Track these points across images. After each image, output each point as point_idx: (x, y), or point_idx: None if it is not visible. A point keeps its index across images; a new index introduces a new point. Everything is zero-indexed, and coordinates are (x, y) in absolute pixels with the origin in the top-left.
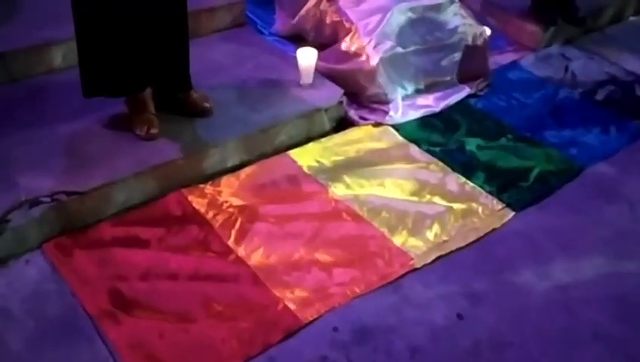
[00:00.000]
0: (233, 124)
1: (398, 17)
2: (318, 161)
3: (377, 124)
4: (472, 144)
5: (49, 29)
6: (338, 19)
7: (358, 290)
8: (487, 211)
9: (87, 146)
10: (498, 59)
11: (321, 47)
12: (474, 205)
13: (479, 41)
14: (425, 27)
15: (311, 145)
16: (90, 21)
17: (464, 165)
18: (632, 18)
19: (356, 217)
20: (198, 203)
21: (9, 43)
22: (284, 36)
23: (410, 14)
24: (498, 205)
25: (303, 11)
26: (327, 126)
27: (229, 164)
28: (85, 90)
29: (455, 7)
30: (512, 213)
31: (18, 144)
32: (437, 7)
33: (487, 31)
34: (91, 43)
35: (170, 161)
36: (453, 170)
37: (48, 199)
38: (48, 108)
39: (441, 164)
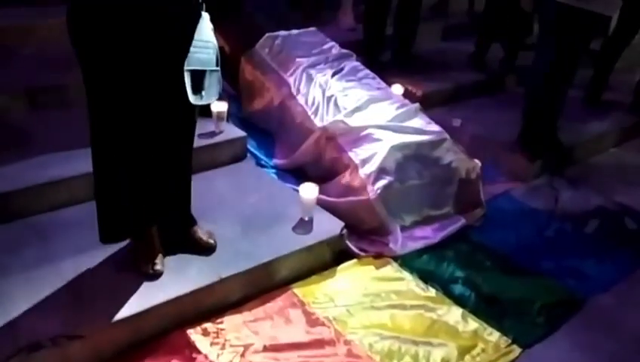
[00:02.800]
0: (237, 259)
1: (395, 154)
2: (321, 296)
3: (378, 256)
4: (471, 276)
5: (57, 167)
6: (337, 155)
7: None
8: (494, 349)
9: (90, 285)
10: (490, 190)
11: (320, 179)
12: (480, 343)
13: (472, 175)
14: (420, 163)
15: (314, 278)
16: (108, 155)
17: (466, 298)
18: (612, 150)
19: (361, 354)
20: (201, 342)
21: (17, 182)
22: (284, 170)
23: (406, 151)
24: (504, 342)
25: (302, 147)
26: (329, 258)
27: (233, 299)
28: (103, 235)
29: (448, 144)
30: (520, 351)
31: (20, 284)
32: (430, 144)
33: (479, 164)
34: (109, 178)
35: (174, 299)
36: (455, 302)
37: (49, 343)
38: (52, 246)
39: (442, 297)
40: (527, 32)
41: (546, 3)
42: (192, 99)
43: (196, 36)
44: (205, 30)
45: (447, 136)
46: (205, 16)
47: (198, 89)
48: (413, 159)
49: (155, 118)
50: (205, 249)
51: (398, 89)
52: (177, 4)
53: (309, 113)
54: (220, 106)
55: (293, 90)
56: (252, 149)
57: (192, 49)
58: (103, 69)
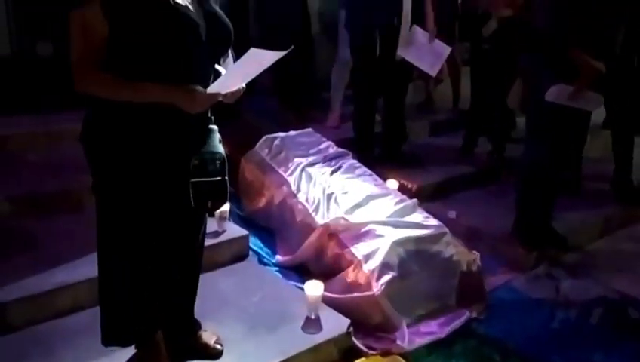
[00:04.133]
0: (243, 361)
1: (397, 249)
2: None
3: (385, 353)
4: None
5: (62, 273)
6: (340, 251)
7: None
8: None
9: None
10: (491, 281)
11: (322, 276)
12: None
13: (474, 267)
14: (422, 257)
15: None
16: (115, 259)
17: None
18: (606, 238)
19: None
20: None
21: (20, 290)
22: (287, 267)
23: (407, 246)
24: None
25: (304, 244)
26: (336, 356)
27: None
28: (106, 338)
29: (447, 237)
30: None
31: None
32: (431, 238)
33: (479, 257)
34: (114, 281)
35: None
36: None
37: None
38: (55, 357)
39: None
40: (512, 126)
41: (536, 102)
42: (197, 209)
43: (204, 148)
44: (214, 142)
45: (446, 229)
46: (215, 129)
47: (205, 199)
48: (414, 254)
49: (164, 226)
50: (212, 355)
51: (393, 184)
52: (193, 124)
53: (310, 211)
54: (222, 206)
55: (294, 189)
56: (254, 247)
57: (199, 162)
58: (116, 183)
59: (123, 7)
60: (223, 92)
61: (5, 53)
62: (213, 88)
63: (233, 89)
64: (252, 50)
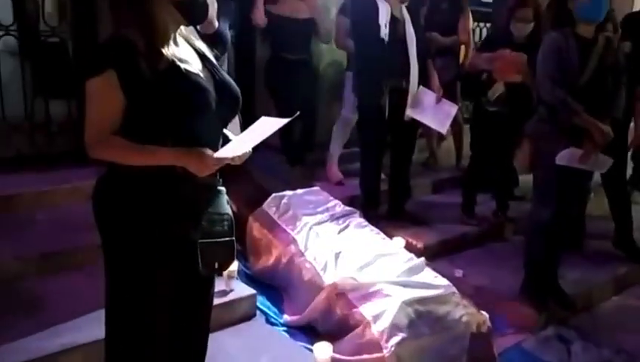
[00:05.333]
0: None
1: (406, 309)
2: None
3: None
4: None
5: (70, 334)
6: (348, 311)
7: None
8: None
9: None
10: (501, 343)
11: (330, 336)
12: None
13: (483, 329)
14: (431, 318)
15: None
16: (124, 325)
17: None
18: (614, 298)
19: None
20: None
21: (28, 352)
22: (295, 327)
23: (416, 306)
24: None
25: (312, 304)
26: None
27: None
28: None
29: (456, 298)
30: None
31: None
32: (440, 298)
33: (488, 317)
34: (122, 348)
35: None
36: None
37: None
38: None
39: None
40: (515, 184)
41: (545, 166)
42: (205, 271)
43: (212, 209)
44: (222, 203)
45: (454, 289)
46: (223, 191)
47: (213, 260)
48: (424, 314)
49: (173, 287)
50: None
51: (399, 242)
52: (201, 186)
53: (318, 270)
54: (230, 266)
55: (302, 248)
56: (261, 307)
57: (207, 223)
58: (125, 243)
59: (137, 74)
60: (231, 156)
61: (19, 114)
62: (221, 153)
63: (240, 153)
64: (262, 119)
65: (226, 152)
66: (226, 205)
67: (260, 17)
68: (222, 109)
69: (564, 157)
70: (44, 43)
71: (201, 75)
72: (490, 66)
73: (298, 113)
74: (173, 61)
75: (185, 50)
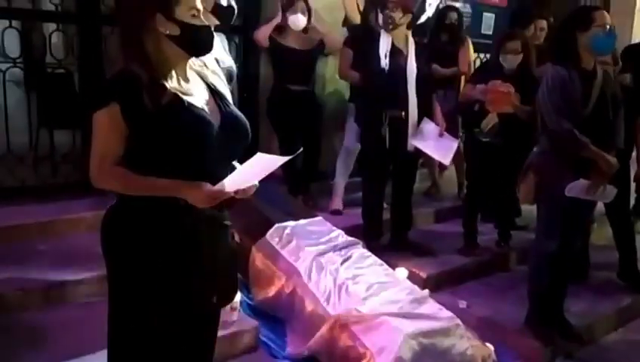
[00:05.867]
0: None
1: (411, 342)
2: None
3: None
4: None
5: None
6: (352, 343)
7: None
8: None
9: None
10: None
11: None
12: None
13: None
14: (436, 351)
15: None
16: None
17: None
18: (620, 329)
19: None
20: None
21: None
22: (298, 359)
23: (421, 339)
24: None
25: (316, 336)
26: None
27: None
28: None
29: (461, 330)
30: None
31: None
32: (444, 331)
33: (493, 350)
34: None
35: None
36: None
37: None
38: None
39: None
40: (517, 214)
41: (551, 197)
42: (205, 305)
43: (214, 242)
44: (225, 237)
45: (459, 321)
46: (228, 225)
47: (212, 294)
48: (428, 347)
49: (176, 321)
50: None
51: (402, 272)
52: (204, 220)
53: (322, 301)
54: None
55: (305, 278)
56: (264, 339)
57: (208, 256)
58: (130, 275)
59: (139, 107)
60: (230, 190)
61: (24, 144)
62: (219, 185)
63: (242, 187)
64: (258, 155)
65: (222, 185)
66: (229, 240)
67: (263, 37)
68: (228, 142)
69: (574, 189)
70: (49, 74)
71: (206, 108)
72: (483, 97)
73: (301, 150)
74: (175, 94)
75: (194, 84)
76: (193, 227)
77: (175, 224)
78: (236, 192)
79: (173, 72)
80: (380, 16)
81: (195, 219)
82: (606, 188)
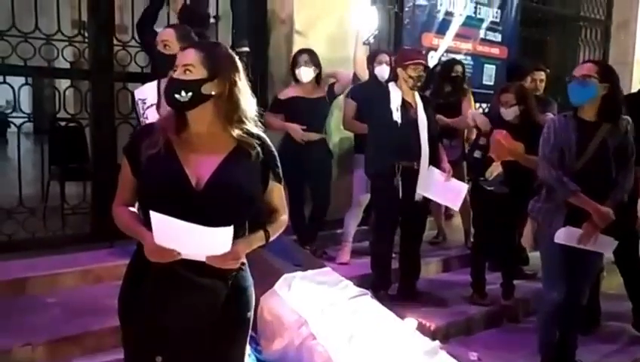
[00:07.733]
0: None
1: None
2: None
3: None
4: None
5: None
6: None
7: None
8: None
9: None
10: None
11: None
12: None
13: None
14: None
15: None
16: None
17: None
18: None
19: None
20: None
21: None
22: None
23: None
24: None
25: None
26: None
27: None
28: None
29: None
30: None
31: None
32: None
33: None
34: None
35: None
36: None
37: None
38: None
39: None
40: (524, 262)
41: (546, 246)
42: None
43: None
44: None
45: None
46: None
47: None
48: None
49: None
50: None
51: (411, 323)
52: (169, 280)
53: (331, 354)
54: None
55: (313, 331)
56: None
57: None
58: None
59: (137, 154)
60: (169, 246)
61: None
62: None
63: (181, 249)
64: (155, 216)
65: (161, 240)
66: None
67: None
68: (207, 205)
69: (561, 236)
70: (61, 128)
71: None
72: (482, 126)
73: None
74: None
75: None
76: (154, 278)
77: (145, 272)
78: (224, 260)
79: None
80: (400, 74)
81: (156, 273)
82: (601, 238)
